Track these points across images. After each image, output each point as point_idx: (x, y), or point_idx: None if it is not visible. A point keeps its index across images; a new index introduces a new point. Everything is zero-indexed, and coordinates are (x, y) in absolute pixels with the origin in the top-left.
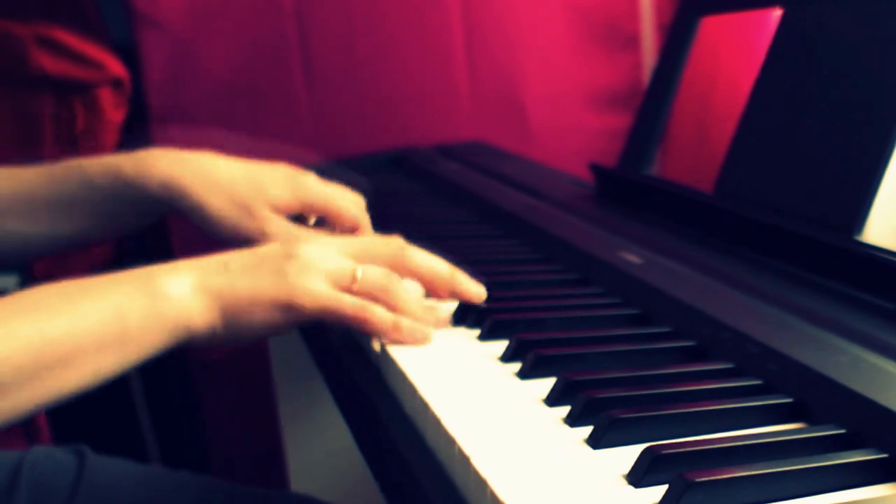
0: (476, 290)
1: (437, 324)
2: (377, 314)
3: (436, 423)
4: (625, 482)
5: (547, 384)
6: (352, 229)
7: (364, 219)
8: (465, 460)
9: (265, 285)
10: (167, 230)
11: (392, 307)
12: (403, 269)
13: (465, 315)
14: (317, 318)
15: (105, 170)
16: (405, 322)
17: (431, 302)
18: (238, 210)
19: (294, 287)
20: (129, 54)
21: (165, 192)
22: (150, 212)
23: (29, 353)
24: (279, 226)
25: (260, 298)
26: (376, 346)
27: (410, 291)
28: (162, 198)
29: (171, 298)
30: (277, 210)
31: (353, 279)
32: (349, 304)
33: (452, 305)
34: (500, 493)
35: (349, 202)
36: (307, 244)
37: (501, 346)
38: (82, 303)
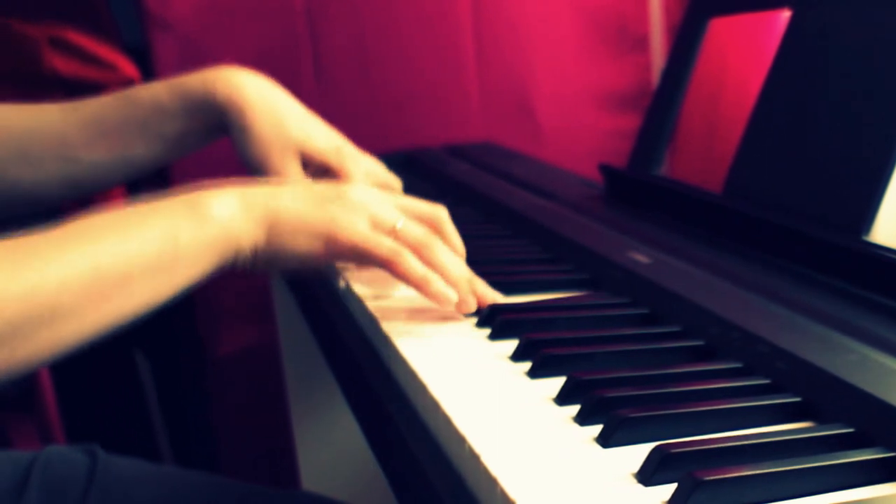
0: (492, 295)
1: (473, 299)
2: (410, 261)
3: (446, 421)
4: (634, 481)
5: (556, 383)
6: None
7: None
8: (475, 459)
9: (310, 214)
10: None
11: (428, 263)
12: (423, 257)
13: (477, 313)
14: (353, 256)
15: (171, 88)
16: (436, 282)
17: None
18: (274, 145)
19: (338, 221)
20: (141, 55)
21: (227, 104)
22: (213, 126)
23: (84, 280)
24: (296, 171)
25: (305, 226)
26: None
27: (452, 256)
28: (222, 109)
29: (220, 219)
30: (311, 158)
31: (393, 229)
32: (386, 246)
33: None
34: (509, 491)
35: (389, 175)
36: (356, 186)
37: (511, 345)
38: (131, 228)
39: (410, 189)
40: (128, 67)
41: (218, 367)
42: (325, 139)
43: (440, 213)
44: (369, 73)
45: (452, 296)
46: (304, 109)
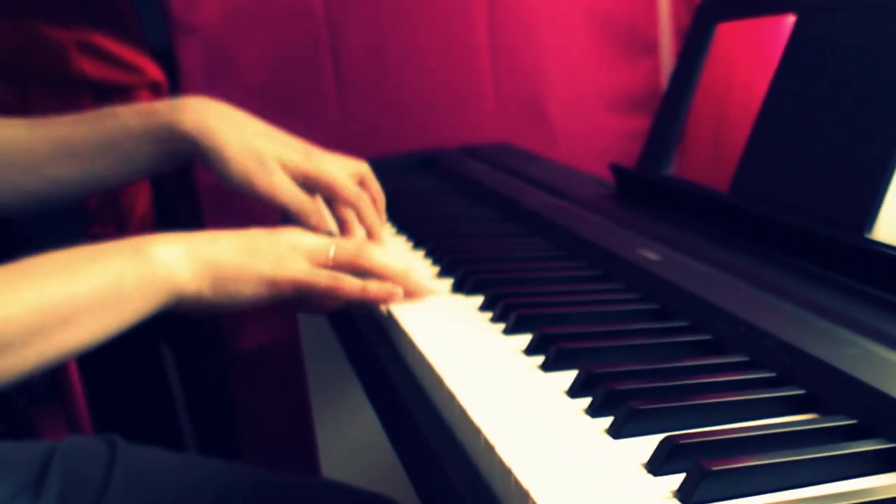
0: (424, 289)
1: (417, 286)
2: (346, 282)
3: (461, 413)
4: (644, 470)
5: (569, 376)
6: (352, 206)
7: (362, 197)
8: (489, 450)
9: (251, 261)
10: (200, 215)
11: (369, 270)
12: (361, 266)
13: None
14: (296, 294)
15: (139, 112)
16: (372, 285)
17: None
18: (251, 159)
19: (277, 265)
20: (167, 59)
21: (194, 131)
22: (179, 153)
23: (31, 313)
24: (283, 180)
25: (246, 272)
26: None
27: (386, 254)
28: (190, 137)
29: (163, 264)
30: (287, 171)
31: (327, 255)
32: (323, 276)
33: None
34: (523, 481)
35: (349, 181)
36: (288, 231)
37: (525, 339)
38: (80, 268)
39: (427, 188)
40: (153, 70)
41: (241, 360)
42: (295, 151)
43: (356, 245)
44: (388, 77)
45: (395, 291)
46: (269, 127)
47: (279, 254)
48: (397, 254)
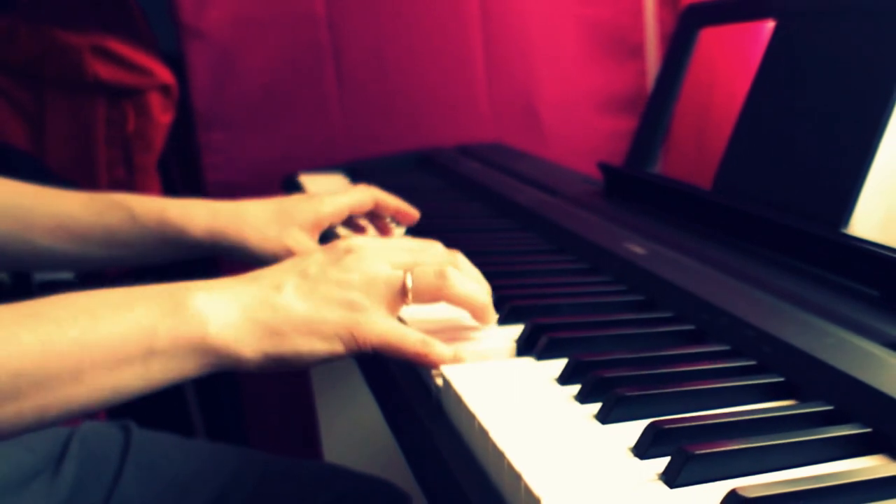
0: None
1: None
2: (437, 350)
3: (458, 400)
4: (630, 454)
5: (559, 364)
6: (382, 209)
7: (383, 196)
8: (484, 434)
9: (324, 316)
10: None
11: (451, 301)
12: (444, 298)
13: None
14: (376, 351)
15: (151, 211)
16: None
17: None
18: (271, 242)
19: (356, 321)
20: (177, 62)
21: (209, 238)
22: (190, 251)
23: (29, 360)
24: (300, 240)
25: (318, 328)
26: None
27: (466, 272)
28: (205, 243)
29: (206, 322)
30: (305, 229)
31: (406, 288)
32: (411, 341)
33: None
34: (515, 463)
35: (363, 192)
36: (354, 256)
37: (517, 329)
38: (101, 314)
39: (424, 185)
40: (164, 73)
41: None
42: (304, 207)
43: (440, 273)
44: (387, 80)
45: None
46: (270, 200)
47: (353, 301)
48: (473, 272)
